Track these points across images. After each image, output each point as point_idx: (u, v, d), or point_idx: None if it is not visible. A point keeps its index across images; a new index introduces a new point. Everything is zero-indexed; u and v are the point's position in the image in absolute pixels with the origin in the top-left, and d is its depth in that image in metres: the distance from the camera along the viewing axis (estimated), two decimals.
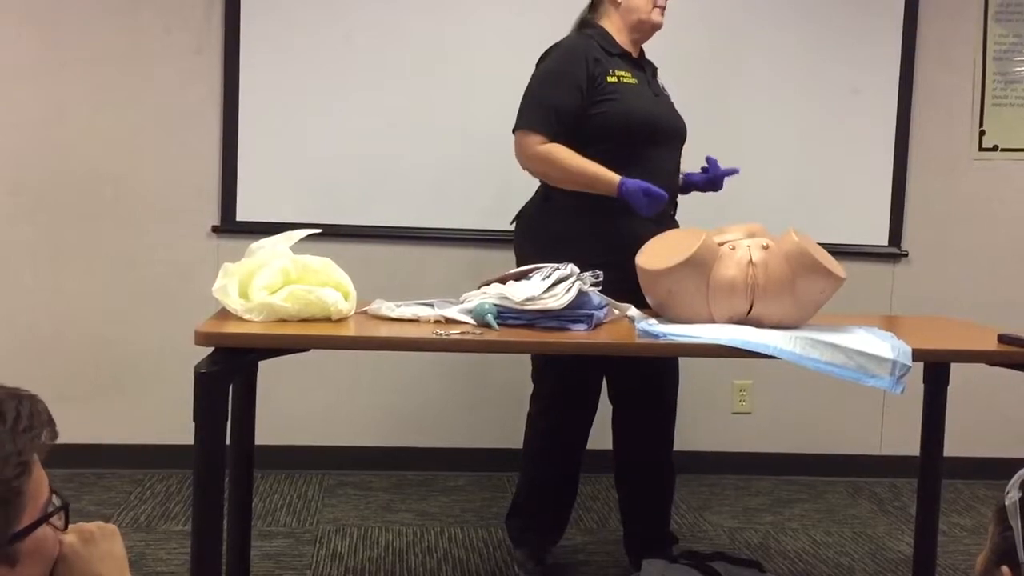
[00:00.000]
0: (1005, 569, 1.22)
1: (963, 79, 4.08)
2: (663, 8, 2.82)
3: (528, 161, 2.74)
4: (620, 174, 2.63)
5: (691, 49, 3.89)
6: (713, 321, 2.31)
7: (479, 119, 3.80)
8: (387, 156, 3.80)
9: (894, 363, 2.14)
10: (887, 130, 4.05)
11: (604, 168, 2.64)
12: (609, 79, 2.72)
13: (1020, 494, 1.25)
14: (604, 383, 2.94)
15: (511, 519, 3.03)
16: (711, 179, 2.91)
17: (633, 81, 2.76)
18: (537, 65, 2.82)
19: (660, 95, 2.86)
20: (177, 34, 3.72)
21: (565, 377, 2.85)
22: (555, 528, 3.00)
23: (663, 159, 2.78)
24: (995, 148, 4.10)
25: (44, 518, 1.16)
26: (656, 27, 2.83)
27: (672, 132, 2.82)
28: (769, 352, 2.14)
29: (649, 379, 2.87)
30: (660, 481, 2.96)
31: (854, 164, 4.04)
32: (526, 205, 2.87)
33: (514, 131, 2.76)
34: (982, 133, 4.09)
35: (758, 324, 2.30)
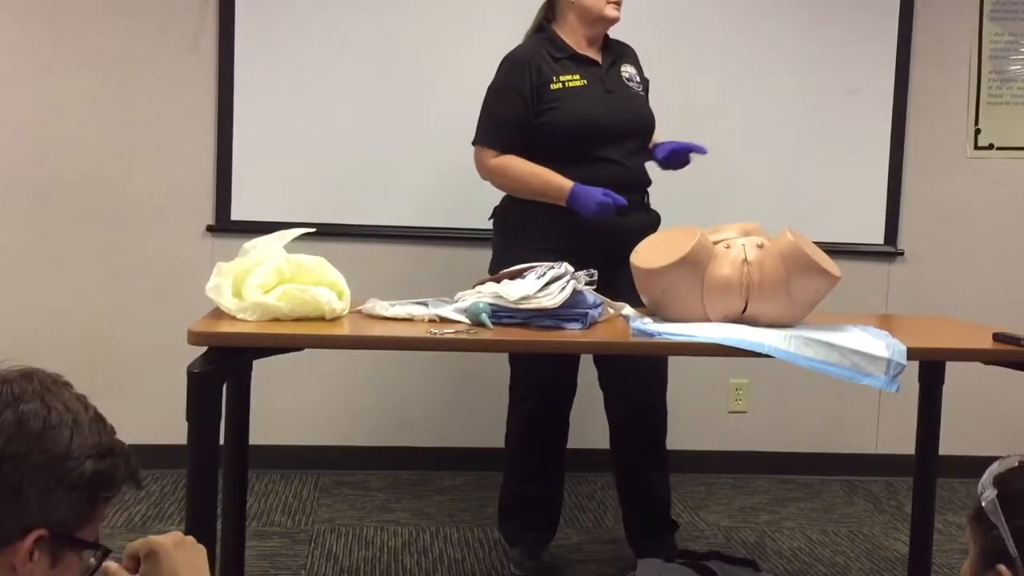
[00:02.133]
0: (1002, 568, 1.21)
1: (959, 77, 4.07)
2: (617, 3, 2.84)
3: (484, 174, 2.88)
4: (571, 175, 2.71)
5: (687, 48, 3.89)
6: (708, 320, 2.31)
7: (475, 119, 3.79)
8: (382, 155, 3.79)
9: (889, 362, 2.14)
10: (883, 128, 4.04)
11: (556, 176, 2.72)
12: (553, 86, 2.78)
13: (995, 491, 1.25)
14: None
15: (503, 518, 3.03)
16: (667, 161, 2.91)
17: (580, 83, 2.80)
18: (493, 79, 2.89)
19: (614, 91, 2.86)
20: (172, 34, 3.70)
21: (529, 367, 2.89)
22: (547, 525, 3.00)
23: (615, 156, 2.80)
24: (991, 146, 4.10)
25: (97, 545, 1.17)
26: (611, 21, 2.86)
27: (623, 128, 2.83)
28: (764, 351, 2.14)
29: (633, 376, 2.88)
30: (651, 468, 2.97)
31: (850, 162, 4.03)
32: (500, 201, 2.97)
33: (473, 145, 2.87)
34: (978, 131, 4.09)
35: (753, 323, 2.30)
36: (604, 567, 3.08)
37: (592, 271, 2.31)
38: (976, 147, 4.10)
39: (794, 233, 2.31)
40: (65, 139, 3.69)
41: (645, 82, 2.98)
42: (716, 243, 2.35)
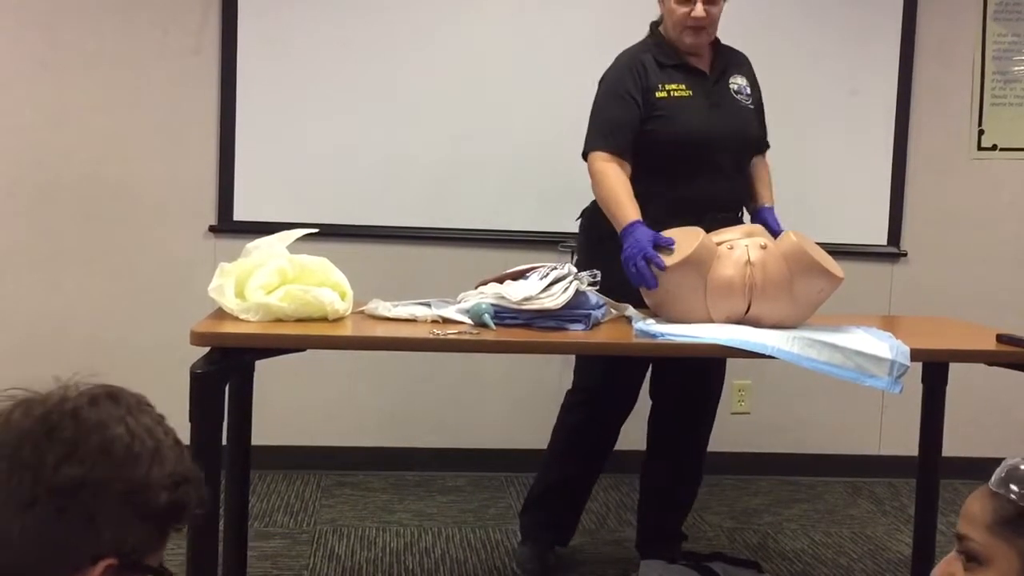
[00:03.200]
0: None
1: (962, 78, 4.07)
2: (695, 28, 2.67)
3: (591, 178, 2.70)
4: (670, 188, 2.62)
5: None
6: (711, 321, 2.31)
7: (478, 119, 3.80)
8: (384, 156, 3.79)
9: (892, 363, 2.14)
10: (886, 129, 4.04)
11: (629, 204, 2.54)
12: (658, 95, 2.69)
13: None
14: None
15: (525, 513, 3.04)
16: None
17: (686, 94, 2.71)
18: (599, 84, 2.80)
19: (720, 105, 2.75)
20: (174, 35, 3.71)
21: (607, 375, 2.84)
22: (565, 527, 3.00)
23: (714, 171, 2.73)
24: (994, 147, 4.10)
25: (162, 571, 1.14)
26: (694, 25, 2.68)
27: (724, 144, 2.74)
28: (767, 352, 2.14)
29: (694, 377, 2.87)
30: (689, 480, 3.00)
31: (853, 163, 4.03)
32: (591, 202, 2.86)
33: (584, 158, 2.73)
34: (981, 132, 4.09)
35: (756, 324, 2.29)
36: (606, 568, 3.08)
37: (595, 271, 2.31)
38: (979, 148, 4.09)
39: (797, 234, 2.31)
40: (67, 140, 3.69)
41: (756, 93, 2.87)
42: (719, 244, 2.35)
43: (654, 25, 2.83)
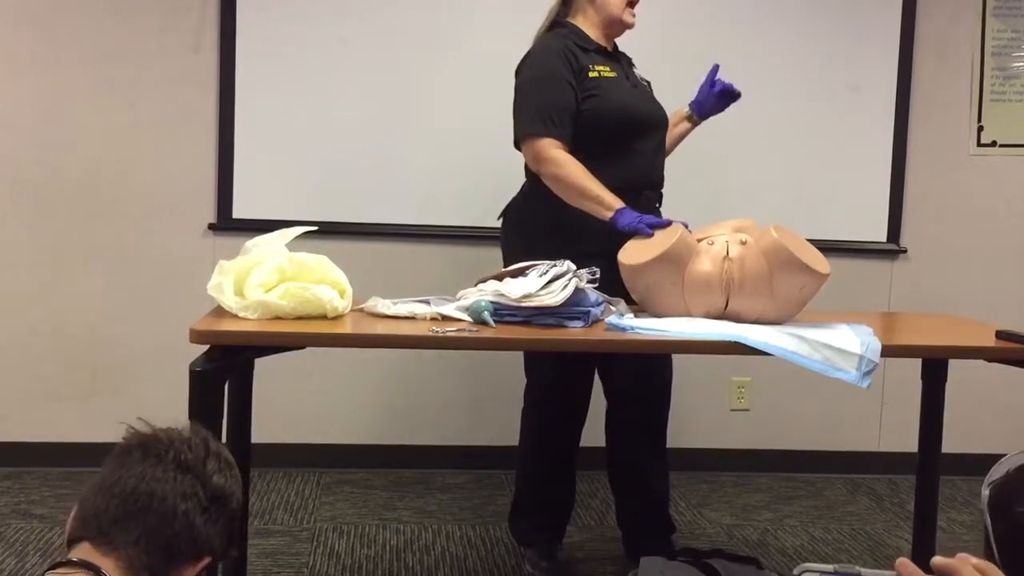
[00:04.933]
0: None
1: (961, 75, 4.07)
2: (633, 8, 2.80)
3: (543, 166, 2.65)
4: (607, 168, 2.62)
5: (688, 45, 3.88)
6: (691, 316, 2.31)
7: (476, 117, 3.79)
8: (384, 154, 3.79)
9: (860, 358, 2.14)
10: (886, 126, 4.04)
11: (608, 192, 2.56)
12: (591, 74, 2.71)
13: (987, 491, 1.23)
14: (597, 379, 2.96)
15: (514, 519, 3.03)
16: (721, 92, 2.93)
17: (612, 74, 2.76)
18: (516, 75, 2.78)
19: (638, 86, 2.85)
20: (173, 33, 3.70)
21: (554, 371, 2.85)
22: (558, 525, 3.00)
23: (647, 149, 2.78)
24: (993, 144, 4.10)
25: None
26: (627, 27, 2.82)
27: (654, 121, 2.82)
28: (733, 339, 2.13)
29: (641, 375, 2.88)
30: (652, 477, 2.98)
31: (853, 160, 4.03)
32: (513, 199, 2.88)
33: (518, 144, 2.71)
34: (980, 129, 4.08)
35: (736, 320, 2.30)
36: (607, 565, 3.08)
37: (594, 269, 2.31)
38: (979, 144, 4.10)
39: (779, 230, 2.30)
40: (66, 138, 3.69)
41: (649, 85, 2.95)
42: (700, 240, 2.35)
43: (560, 18, 2.84)
